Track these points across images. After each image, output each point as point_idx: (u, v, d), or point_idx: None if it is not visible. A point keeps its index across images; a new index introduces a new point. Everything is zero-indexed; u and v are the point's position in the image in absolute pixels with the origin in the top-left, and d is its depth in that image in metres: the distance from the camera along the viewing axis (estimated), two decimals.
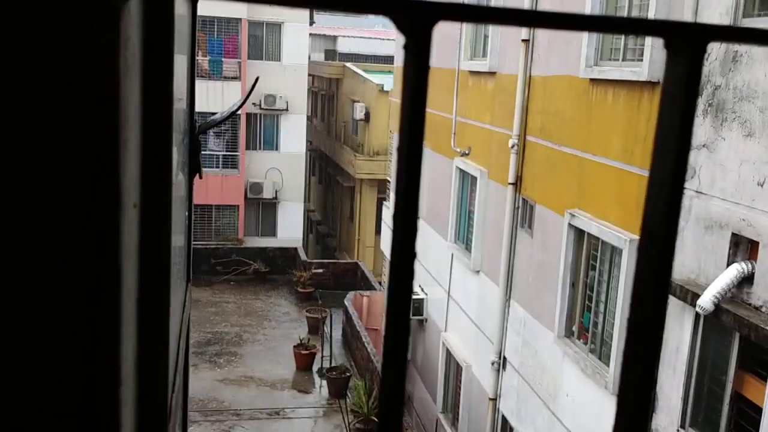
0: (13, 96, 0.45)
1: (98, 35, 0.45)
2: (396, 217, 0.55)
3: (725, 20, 6.22)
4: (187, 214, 1.68)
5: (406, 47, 0.52)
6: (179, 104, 1.48)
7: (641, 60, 7.48)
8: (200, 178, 1.74)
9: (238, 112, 24.74)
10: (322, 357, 17.19)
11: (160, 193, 0.72)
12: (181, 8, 1.36)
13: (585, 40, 8.43)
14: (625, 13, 7.98)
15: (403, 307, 0.53)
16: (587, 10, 8.37)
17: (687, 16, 6.65)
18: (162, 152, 0.72)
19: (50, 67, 0.46)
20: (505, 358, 10.78)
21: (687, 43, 0.53)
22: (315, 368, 17.36)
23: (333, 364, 16.87)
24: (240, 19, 24.87)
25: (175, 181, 1.39)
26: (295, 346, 17.55)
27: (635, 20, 0.55)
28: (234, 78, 24.91)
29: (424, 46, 0.52)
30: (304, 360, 17.32)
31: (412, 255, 0.55)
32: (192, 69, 1.71)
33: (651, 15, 7.20)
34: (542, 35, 9.78)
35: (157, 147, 0.70)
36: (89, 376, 0.52)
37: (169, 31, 0.71)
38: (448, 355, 13.06)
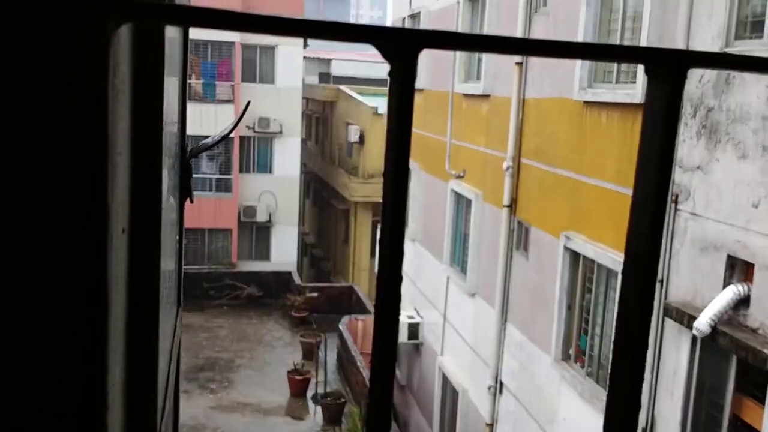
0: (1, 119, 0.45)
1: (87, 62, 0.46)
2: (382, 240, 0.55)
3: (717, 42, 6.28)
4: (178, 238, 1.67)
5: (390, 74, 0.52)
6: (170, 128, 1.48)
7: (634, 82, 7.55)
8: (191, 202, 1.74)
9: (231, 135, 24.80)
10: (317, 382, 17.05)
11: (150, 219, 0.72)
12: (172, 31, 1.37)
13: (578, 62, 8.51)
14: (618, 36, 8.07)
15: (391, 329, 0.53)
16: (580, 33, 8.47)
17: (679, 38, 6.73)
18: (152, 177, 0.72)
19: (39, 93, 0.46)
20: (501, 383, 10.72)
21: (667, 69, 0.54)
22: (309, 394, 17.20)
23: (328, 390, 16.72)
24: (234, 42, 25.01)
25: (165, 205, 1.39)
26: (289, 372, 17.40)
27: (616, 47, 0.56)
28: (227, 101, 25.00)
29: (408, 73, 0.53)
30: (299, 386, 17.17)
31: (399, 277, 0.55)
32: (183, 92, 1.72)
33: (644, 37, 7.28)
34: (536, 58, 9.87)
35: (147, 172, 0.70)
36: (75, 401, 0.52)
37: (160, 57, 0.72)
38: (444, 379, 12.98)
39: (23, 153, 0.47)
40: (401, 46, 0.53)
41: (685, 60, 0.55)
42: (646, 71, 0.57)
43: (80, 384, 0.52)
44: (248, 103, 3.31)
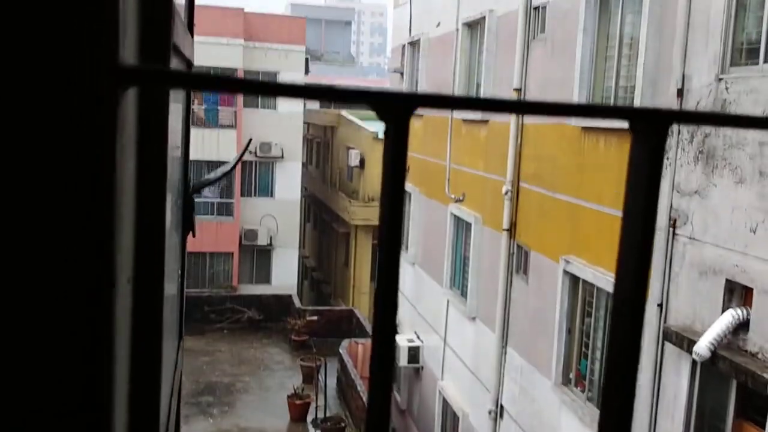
0: (11, 170, 0.48)
1: (96, 125, 0.48)
2: (377, 296, 0.57)
3: (713, 69, 6.34)
4: (180, 272, 1.70)
5: (386, 133, 0.55)
6: (174, 162, 1.51)
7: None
8: (194, 236, 1.77)
9: (233, 167, 24.88)
10: (317, 407, 16.94)
11: (153, 269, 0.74)
12: (176, 66, 1.40)
13: (576, 88, 8.59)
14: (614, 62, 8.13)
15: (388, 354, 0.55)
16: (577, 59, 8.55)
17: (675, 65, 6.80)
18: (155, 228, 0.74)
19: (49, 157, 0.48)
20: (502, 407, 10.66)
21: (649, 126, 0.57)
22: (309, 418, 17.08)
23: (328, 414, 16.62)
24: (236, 69, 25.22)
25: (170, 241, 1.41)
26: (289, 396, 17.30)
27: (600, 106, 0.59)
28: (230, 126, 25.15)
29: (402, 132, 0.55)
30: (299, 410, 17.06)
31: (394, 330, 0.57)
32: (187, 126, 1.75)
33: (640, 63, 7.35)
34: (534, 84, 9.95)
35: (151, 224, 0.72)
36: None
37: (164, 111, 0.75)
38: (445, 403, 12.91)
39: (34, 208, 0.49)
40: (396, 107, 0.55)
41: (668, 117, 0.58)
42: (630, 128, 0.60)
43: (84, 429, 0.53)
44: (250, 140, 3.35)
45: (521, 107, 0.54)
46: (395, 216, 0.56)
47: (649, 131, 0.58)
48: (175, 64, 1.15)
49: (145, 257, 0.72)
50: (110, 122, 0.49)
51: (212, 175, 2.96)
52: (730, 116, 0.59)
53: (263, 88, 0.52)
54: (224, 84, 0.51)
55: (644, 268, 0.60)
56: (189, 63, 1.55)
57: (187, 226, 1.68)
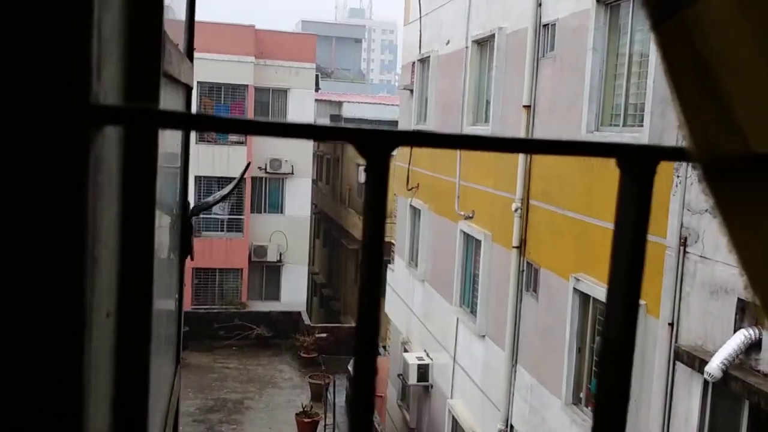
0: None
1: (63, 163, 0.47)
2: (357, 331, 0.56)
3: None
4: (177, 296, 1.69)
5: (366, 170, 0.55)
6: (172, 185, 1.51)
7: (642, 126, 7.58)
8: (191, 260, 1.76)
9: (243, 178, 25.01)
10: (325, 425, 16.85)
11: (139, 300, 0.73)
12: (171, 99, 1.40)
13: (586, 105, 8.58)
14: (624, 80, 8.12)
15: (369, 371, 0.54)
16: (587, 77, 8.54)
17: None
18: (142, 262, 0.73)
19: (15, 192, 0.47)
20: (512, 426, 10.56)
21: (637, 163, 0.56)
22: None
23: None
24: (246, 85, 25.39)
25: (166, 266, 1.41)
26: (297, 414, 17.23)
27: (588, 143, 0.57)
28: (240, 143, 25.26)
29: (382, 169, 0.55)
30: (307, 428, 16.97)
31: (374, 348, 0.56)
32: (186, 148, 1.75)
33: (650, 83, 7.33)
34: (543, 101, 9.95)
35: (138, 259, 0.71)
36: None
37: (152, 153, 0.74)
38: (455, 422, 12.80)
39: None
40: (376, 145, 0.55)
41: (655, 154, 0.57)
42: (618, 164, 0.58)
43: None
44: (248, 164, 3.36)
45: (504, 144, 0.53)
46: (376, 250, 0.55)
47: (637, 168, 0.56)
48: (168, 91, 1.14)
49: (131, 292, 0.71)
50: (81, 161, 0.49)
51: (210, 199, 2.96)
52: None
53: (237, 126, 0.51)
54: (198, 122, 0.50)
55: (633, 304, 0.59)
56: (188, 88, 1.55)
57: (185, 249, 1.67)
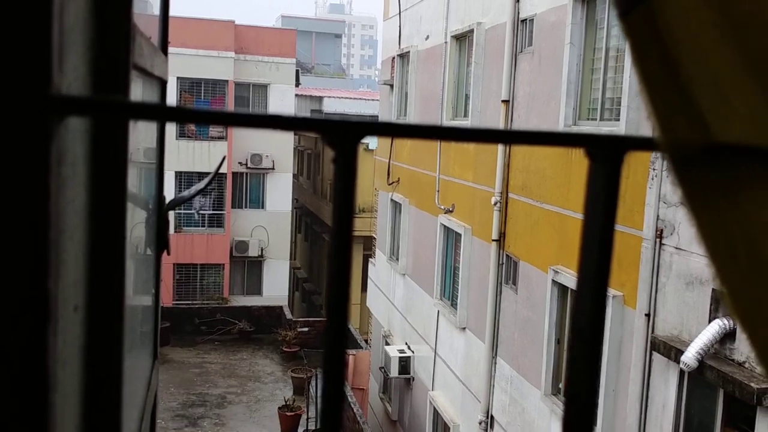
0: None
1: (23, 155, 0.47)
2: (327, 326, 0.57)
3: None
4: (154, 291, 1.67)
5: (334, 161, 0.55)
6: (146, 179, 1.49)
7: (618, 120, 7.64)
8: (168, 254, 1.75)
9: (223, 170, 24.82)
10: (308, 418, 16.85)
11: (110, 294, 0.72)
12: (147, 93, 1.38)
13: (563, 99, 8.62)
14: (601, 74, 8.17)
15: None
16: (564, 71, 8.58)
17: None
18: (113, 257, 0.72)
19: None
20: (492, 417, 10.63)
21: (605, 153, 0.56)
22: (300, 430, 16.99)
23: (318, 426, 16.53)
24: (227, 80, 25.23)
25: (141, 260, 1.39)
26: (280, 408, 17.22)
27: (559, 133, 0.58)
28: (220, 138, 25.11)
29: (350, 159, 0.55)
30: (289, 422, 16.97)
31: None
32: (161, 142, 1.73)
33: (626, 77, 7.39)
34: (522, 96, 9.99)
35: (108, 252, 0.70)
36: None
37: (121, 145, 0.73)
38: (436, 414, 12.86)
39: None
40: (343, 136, 0.55)
41: (623, 144, 0.57)
42: (587, 154, 0.59)
43: None
44: (224, 158, 3.34)
45: (475, 135, 0.53)
46: (345, 242, 0.55)
47: (605, 158, 0.57)
48: (140, 85, 1.13)
49: (101, 285, 0.70)
50: (41, 152, 0.48)
51: (186, 193, 2.94)
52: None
53: (207, 117, 0.51)
54: (166, 113, 0.50)
55: (602, 289, 0.59)
56: (162, 82, 1.54)
57: (161, 243, 1.66)
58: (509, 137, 0.56)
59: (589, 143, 0.56)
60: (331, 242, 0.56)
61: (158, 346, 1.73)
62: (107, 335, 0.71)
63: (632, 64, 0.53)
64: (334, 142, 0.54)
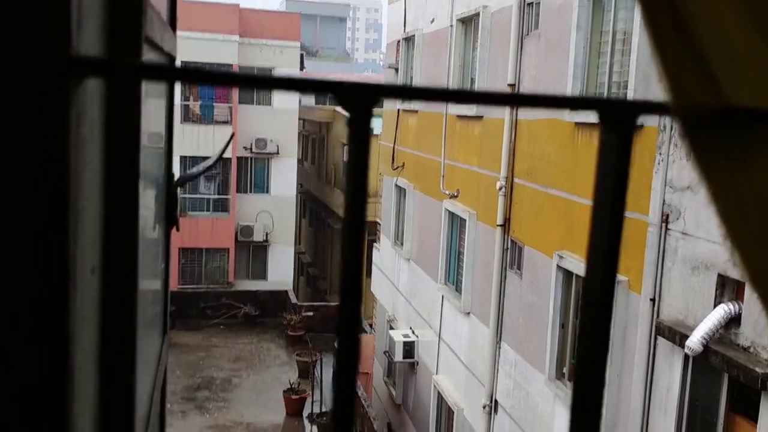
0: None
1: (44, 118, 0.47)
2: (342, 280, 0.57)
3: None
4: (164, 265, 1.69)
5: (349, 123, 0.55)
6: (155, 156, 1.50)
7: None
8: (177, 230, 1.76)
9: (228, 154, 24.81)
10: (313, 402, 16.97)
11: (124, 257, 0.73)
12: (157, 57, 1.39)
13: (570, 83, 8.58)
14: (608, 57, 8.13)
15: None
16: (571, 55, 8.54)
17: None
18: (126, 219, 0.73)
19: None
20: (496, 401, 10.68)
21: (618, 117, 0.56)
22: (305, 413, 17.11)
23: (324, 409, 16.65)
24: (231, 65, 25.16)
25: (151, 235, 1.40)
26: (285, 391, 17.33)
27: (571, 97, 0.58)
28: (225, 122, 25.10)
29: (365, 121, 0.56)
30: (295, 405, 17.08)
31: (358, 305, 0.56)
32: (170, 119, 1.74)
33: (633, 60, 7.35)
34: (528, 80, 9.95)
35: (121, 214, 0.71)
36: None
37: (135, 108, 0.74)
38: (440, 398, 12.93)
39: None
40: (359, 97, 0.55)
41: (635, 108, 0.58)
42: (600, 119, 0.59)
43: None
44: (233, 135, 3.34)
45: (487, 98, 0.54)
46: (359, 205, 0.56)
47: (618, 122, 0.57)
48: (150, 58, 1.14)
49: (114, 247, 0.72)
50: (62, 113, 0.49)
51: (195, 170, 2.95)
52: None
53: (219, 78, 0.51)
54: (179, 74, 0.50)
55: (612, 260, 0.60)
56: (170, 57, 1.54)
57: (170, 220, 1.67)
58: (522, 100, 0.56)
59: (601, 107, 0.56)
60: (346, 205, 0.56)
61: (168, 322, 1.74)
62: (122, 296, 0.73)
63: (644, 27, 0.53)
64: (349, 104, 0.54)
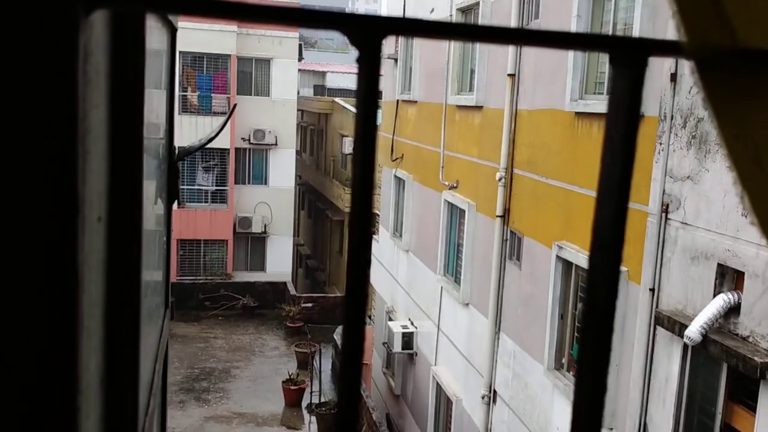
0: None
1: (54, 48, 0.46)
2: (351, 228, 0.56)
3: None
4: (165, 239, 1.68)
5: (358, 60, 0.54)
6: (157, 129, 1.49)
7: None
8: (179, 204, 1.76)
9: (226, 145, 24.77)
10: (311, 392, 17.00)
11: (130, 209, 0.73)
12: (157, 25, 1.38)
13: (570, 74, 8.57)
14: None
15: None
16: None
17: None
18: (132, 168, 0.73)
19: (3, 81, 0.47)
20: (495, 392, 10.70)
21: (629, 56, 0.56)
22: (304, 404, 17.15)
23: (323, 400, 16.68)
24: (229, 55, 25.10)
25: (153, 206, 1.40)
26: (284, 382, 17.36)
27: (580, 35, 0.57)
28: (223, 113, 25.04)
29: (374, 58, 0.55)
30: (293, 396, 17.12)
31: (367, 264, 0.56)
32: (171, 94, 1.73)
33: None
34: (528, 70, 9.93)
35: (127, 162, 0.71)
36: (45, 386, 0.52)
37: (140, 48, 0.73)
38: (438, 389, 12.96)
39: None
40: (368, 32, 0.54)
41: (647, 47, 0.57)
42: (610, 59, 0.58)
43: (50, 369, 0.52)
44: (234, 106, 3.34)
45: (495, 34, 0.53)
46: (369, 149, 0.55)
47: (628, 62, 0.57)
48: (153, 29, 1.13)
49: (120, 196, 0.71)
50: (71, 44, 0.48)
51: (196, 143, 2.94)
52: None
53: (225, 9, 0.50)
54: (183, 4, 0.49)
55: (622, 206, 0.59)
56: (172, 29, 1.53)
57: (172, 193, 1.67)
58: (534, 38, 0.55)
59: (612, 46, 0.55)
60: (355, 146, 0.56)
61: (170, 296, 1.74)
62: (128, 243, 0.72)
63: None
64: (358, 39, 0.53)
